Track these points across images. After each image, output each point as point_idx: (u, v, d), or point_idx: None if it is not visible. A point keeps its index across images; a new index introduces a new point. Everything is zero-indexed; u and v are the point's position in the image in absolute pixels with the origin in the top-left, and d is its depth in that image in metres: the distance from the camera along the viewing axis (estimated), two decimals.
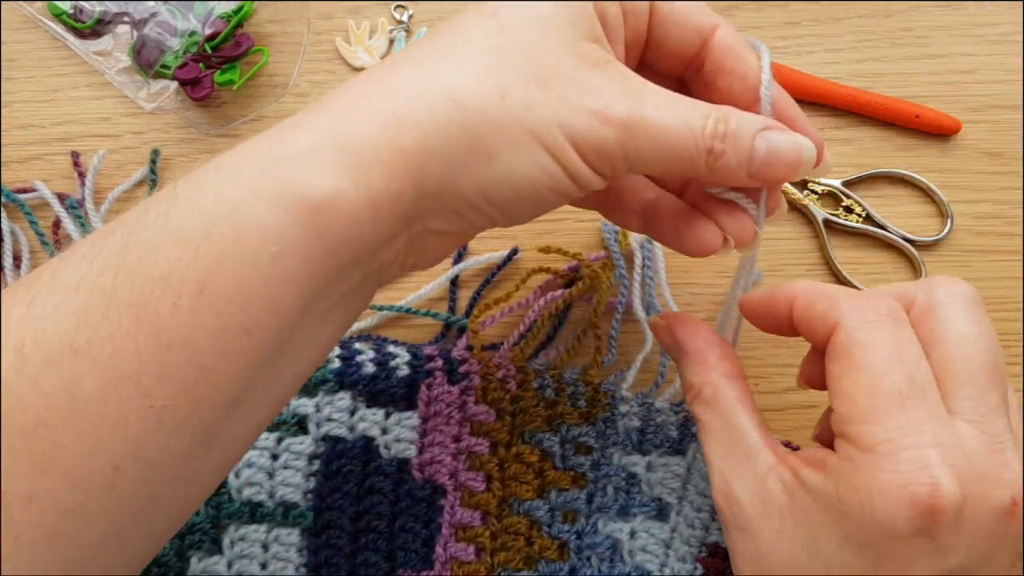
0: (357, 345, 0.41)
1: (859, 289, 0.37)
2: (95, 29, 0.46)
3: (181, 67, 0.44)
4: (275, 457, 0.39)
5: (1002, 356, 0.29)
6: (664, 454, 0.40)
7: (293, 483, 0.39)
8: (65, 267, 0.26)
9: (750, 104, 0.31)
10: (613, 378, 0.41)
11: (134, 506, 0.26)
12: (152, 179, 0.44)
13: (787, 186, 0.44)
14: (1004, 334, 0.43)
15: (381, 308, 0.42)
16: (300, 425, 0.40)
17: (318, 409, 0.40)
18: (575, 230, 0.43)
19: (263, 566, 0.39)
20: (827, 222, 0.44)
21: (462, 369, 0.40)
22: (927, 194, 0.45)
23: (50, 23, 0.46)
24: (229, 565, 0.39)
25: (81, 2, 0.46)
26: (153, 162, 0.44)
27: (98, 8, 0.46)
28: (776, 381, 0.42)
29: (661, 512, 0.39)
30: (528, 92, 0.27)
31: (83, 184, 0.44)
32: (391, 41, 0.47)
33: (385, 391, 0.40)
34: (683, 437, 0.40)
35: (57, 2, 0.46)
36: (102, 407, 0.24)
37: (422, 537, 0.39)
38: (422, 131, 0.26)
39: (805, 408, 0.41)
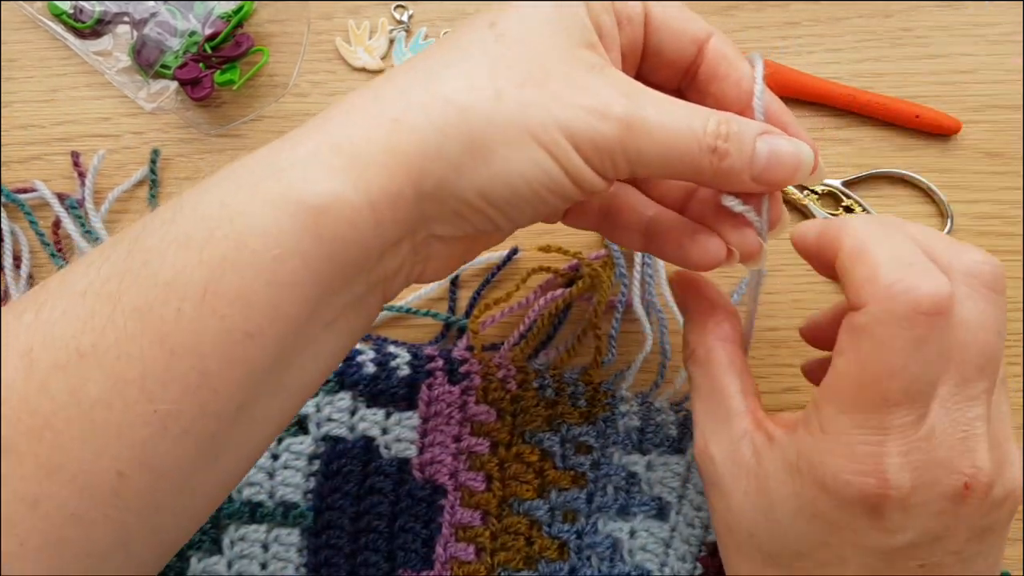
0: (358, 345, 0.41)
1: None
2: (95, 29, 0.46)
3: (181, 67, 0.44)
4: (275, 457, 0.40)
5: (1002, 346, 0.29)
6: (664, 453, 0.40)
7: (293, 483, 0.39)
8: (73, 275, 0.26)
9: (743, 110, 0.31)
10: (613, 378, 0.41)
11: (140, 514, 0.26)
12: (152, 179, 0.44)
13: (788, 188, 0.44)
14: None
15: (382, 308, 0.42)
16: (300, 425, 0.40)
17: (318, 409, 0.40)
18: (575, 229, 0.43)
19: (263, 566, 0.39)
20: None
21: (462, 369, 0.40)
22: (927, 194, 0.45)
23: (50, 23, 0.46)
24: (229, 565, 0.39)
25: (81, 2, 0.46)
26: (153, 162, 0.44)
27: (98, 8, 0.46)
28: (776, 381, 0.42)
29: (661, 511, 0.40)
30: (524, 93, 0.27)
31: (83, 184, 0.44)
32: (391, 41, 0.47)
33: (385, 391, 0.40)
34: (683, 436, 0.40)
35: (57, 2, 0.46)
36: (107, 411, 0.24)
37: (422, 537, 0.39)
38: (420, 134, 0.26)
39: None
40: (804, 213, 0.44)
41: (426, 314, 0.43)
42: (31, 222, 0.43)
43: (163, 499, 0.26)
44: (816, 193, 0.44)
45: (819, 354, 0.36)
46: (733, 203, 0.31)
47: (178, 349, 0.25)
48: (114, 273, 0.25)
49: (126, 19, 0.46)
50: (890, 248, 0.28)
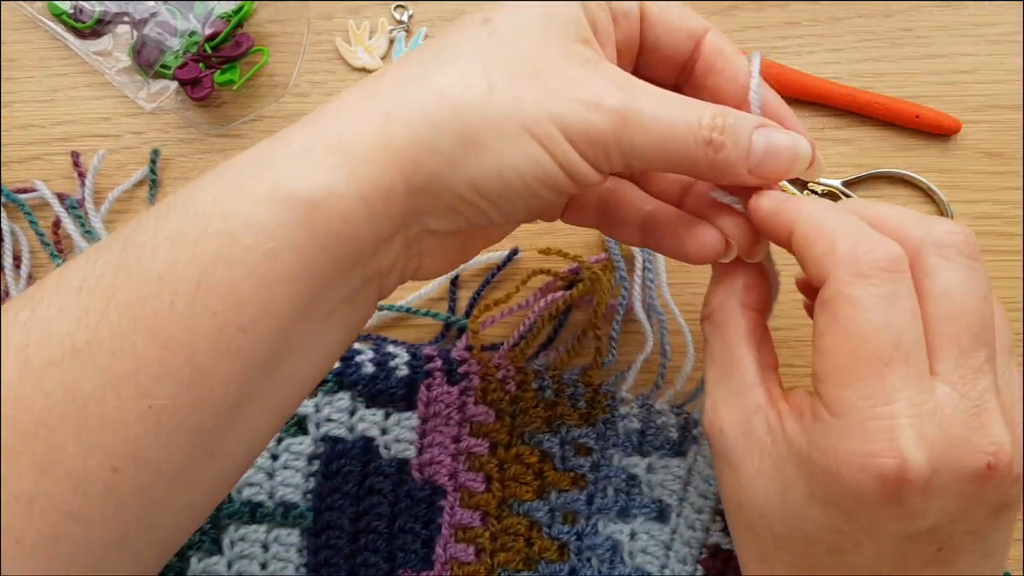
0: (356, 345, 0.41)
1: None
2: (95, 29, 0.46)
3: (181, 67, 0.44)
4: (275, 457, 0.39)
5: (993, 311, 0.28)
6: (664, 456, 0.40)
7: (293, 483, 0.39)
8: (69, 272, 0.26)
9: (740, 105, 0.31)
10: (613, 379, 0.41)
11: (136, 511, 0.26)
12: (152, 179, 0.44)
13: (787, 185, 0.44)
14: None
15: (381, 308, 0.42)
16: (300, 425, 0.40)
17: (317, 409, 0.40)
18: (575, 231, 0.43)
19: (263, 566, 0.39)
20: None
21: (462, 369, 0.40)
22: (927, 194, 0.45)
23: (50, 23, 0.46)
24: (229, 565, 0.39)
25: (81, 2, 0.46)
26: (153, 162, 0.44)
27: (98, 8, 0.46)
28: None
29: (661, 514, 0.39)
30: (517, 86, 0.27)
31: (83, 184, 0.44)
32: (391, 41, 0.47)
33: (384, 391, 0.40)
34: (683, 439, 0.40)
35: (57, 2, 0.46)
36: (101, 407, 0.24)
37: (422, 538, 0.39)
38: (412, 127, 0.27)
39: None
40: None
41: (426, 314, 0.43)
42: (31, 222, 0.43)
43: (159, 495, 0.26)
44: (816, 193, 0.44)
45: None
46: (719, 194, 0.31)
47: (171, 344, 0.25)
48: (108, 269, 0.25)
49: (126, 19, 0.46)
50: (842, 225, 0.28)
